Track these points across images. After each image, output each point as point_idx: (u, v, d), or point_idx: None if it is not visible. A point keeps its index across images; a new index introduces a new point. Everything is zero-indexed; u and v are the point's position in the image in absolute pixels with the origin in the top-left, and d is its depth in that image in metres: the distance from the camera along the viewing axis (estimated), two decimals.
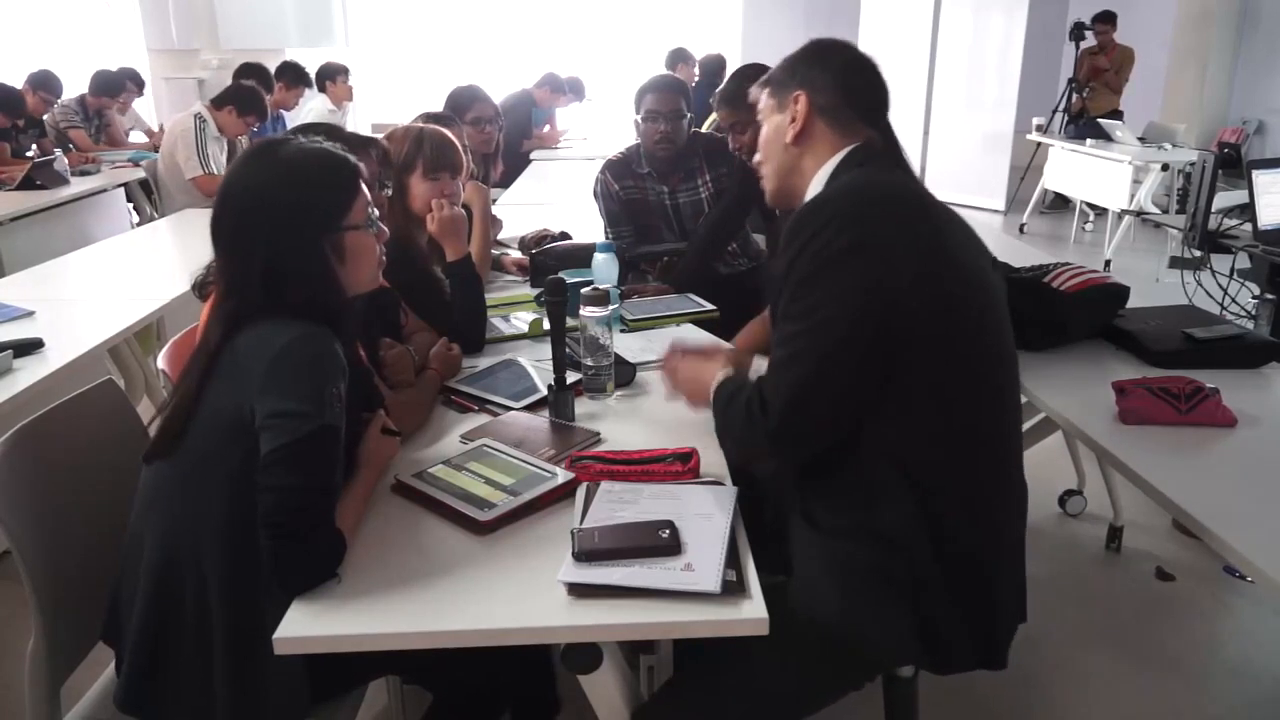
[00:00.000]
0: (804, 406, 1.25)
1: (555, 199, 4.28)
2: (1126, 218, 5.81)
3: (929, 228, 1.29)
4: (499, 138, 3.24)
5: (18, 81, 5.46)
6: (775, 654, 1.27)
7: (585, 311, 1.73)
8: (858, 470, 1.30)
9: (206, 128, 4.38)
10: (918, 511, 1.26)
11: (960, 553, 1.28)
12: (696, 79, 6.42)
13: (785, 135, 1.41)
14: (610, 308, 1.74)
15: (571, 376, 1.71)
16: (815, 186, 1.39)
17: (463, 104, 3.10)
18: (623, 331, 2.21)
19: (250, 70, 5.23)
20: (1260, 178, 2.96)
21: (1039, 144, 7.14)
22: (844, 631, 1.29)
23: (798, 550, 1.38)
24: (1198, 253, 3.15)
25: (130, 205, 5.28)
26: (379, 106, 6.26)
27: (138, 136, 6.44)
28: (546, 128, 6.37)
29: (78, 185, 4.67)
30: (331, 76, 6.20)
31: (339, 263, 1.32)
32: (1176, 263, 3.28)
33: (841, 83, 1.40)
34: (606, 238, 2.87)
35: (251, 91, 4.61)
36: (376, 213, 1.39)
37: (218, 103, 4.50)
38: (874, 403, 1.26)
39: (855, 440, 1.28)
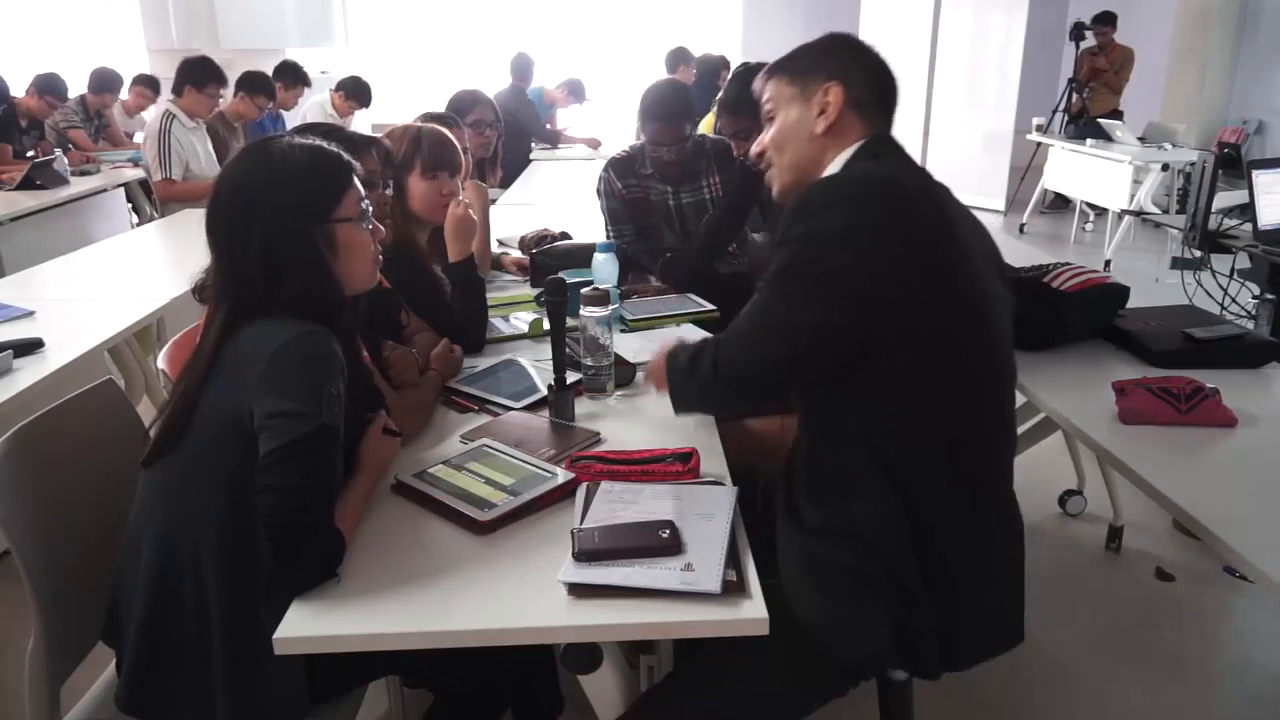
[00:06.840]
0: (762, 377, 1.31)
1: (555, 199, 4.28)
2: (1126, 218, 5.80)
3: (938, 221, 1.27)
4: (498, 143, 3.23)
5: (19, 83, 5.46)
6: (759, 656, 1.26)
7: (585, 311, 1.73)
8: (837, 460, 1.30)
9: (174, 122, 4.26)
10: (899, 511, 1.25)
11: (939, 560, 1.26)
12: (694, 79, 6.41)
13: (812, 127, 1.37)
14: (610, 308, 1.74)
15: (571, 376, 1.71)
16: (829, 173, 1.37)
17: (464, 107, 3.10)
18: (623, 331, 2.21)
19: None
20: (1260, 178, 2.97)
21: (1039, 144, 7.14)
22: (823, 634, 1.28)
23: (780, 547, 1.38)
24: (1198, 253, 3.15)
25: (130, 205, 5.27)
26: (379, 106, 6.24)
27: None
28: (548, 127, 6.38)
29: (78, 185, 4.66)
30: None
31: (331, 256, 1.31)
32: (1177, 263, 3.28)
33: (875, 79, 1.38)
34: (607, 236, 2.86)
35: (193, 62, 4.41)
36: (370, 209, 1.39)
37: (176, 91, 4.35)
38: (848, 385, 1.26)
39: (834, 425, 1.29)
